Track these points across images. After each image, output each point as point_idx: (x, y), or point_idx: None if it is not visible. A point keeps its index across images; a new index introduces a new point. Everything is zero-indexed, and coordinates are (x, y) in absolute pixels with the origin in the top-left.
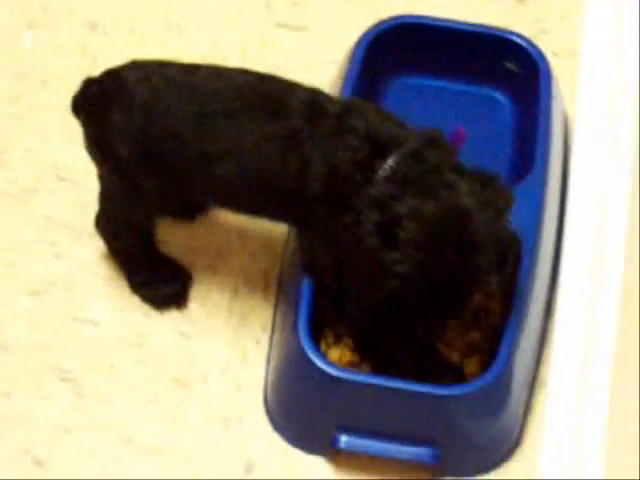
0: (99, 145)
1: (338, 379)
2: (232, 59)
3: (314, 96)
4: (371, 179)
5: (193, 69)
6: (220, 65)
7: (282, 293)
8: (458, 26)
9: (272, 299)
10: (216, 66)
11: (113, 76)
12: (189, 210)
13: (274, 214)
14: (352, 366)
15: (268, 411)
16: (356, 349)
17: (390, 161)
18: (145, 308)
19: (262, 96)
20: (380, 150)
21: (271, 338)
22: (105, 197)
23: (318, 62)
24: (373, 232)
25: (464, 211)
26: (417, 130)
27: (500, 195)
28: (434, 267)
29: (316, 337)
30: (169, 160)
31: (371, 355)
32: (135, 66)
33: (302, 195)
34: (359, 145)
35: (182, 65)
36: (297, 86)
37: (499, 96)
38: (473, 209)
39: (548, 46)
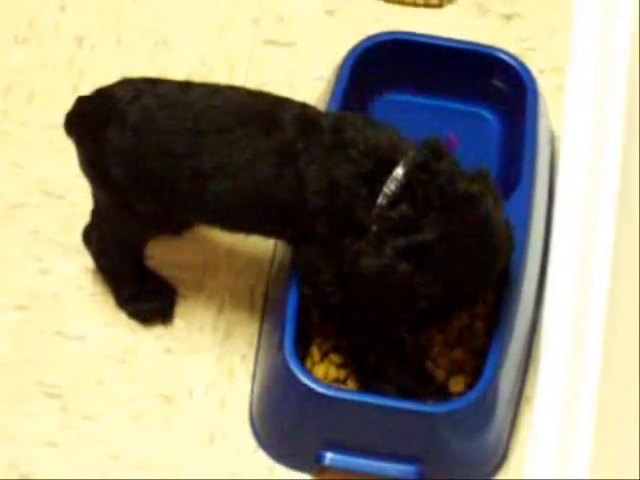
0: (92, 164)
1: (323, 396)
2: (219, 75)
3: (305, 110)
4: (378, 192)
5: (184, 87)
6: (211, 82)
7: (268, 310)
8: (445, 43)
9: (258, 315)
10: (207, 83)
11: (105, 95)
12: (176, 226)
13: (269, 230)
14: (337, 383)
15: (253, 427)
16: (346, 364)
17: (397, 174)
18: (131, 324)
19: (254, 111)
20: (383, 162)
21: (257, 354)
22: (98, 215)
23: (305, 78)
24: (402, 257)
25: (490, 226)
26: (414, 140)
27: (498, 195)
28: (462, 284)
29: (301, 354)
30: (162, 179)
31: (360, 370)
32: (127, 84)
33: (300, 210)
34: (361, 158)
35: (174, 83)
36: (288, 101)
37: (486, 113)
38: (498, 222)
39: (535, 63)
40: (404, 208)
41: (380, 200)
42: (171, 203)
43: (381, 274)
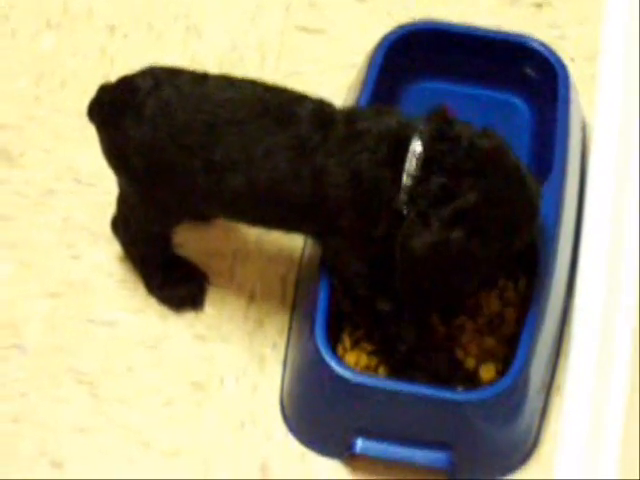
0: (113, 152)
1: (355, 383)
2: (250, 62)
3: (321, 106)
4: (401, 173)
5: (202, 79)
6: (229, 75)
7: (299, 297)
8: (476, 31)
9: (289, 303)
10: (225, 76)
11: (127, 84)
12: (200, 215)
13: (287, 225)
14: (368, 370)
15: (284, 414)
16: (376, 351)
17: (415, 149)
18: (161, 310)
19: (270, 106)
20: (398, 142)
21: (288, 342)
22: (122, 202)
23: (337, 66)
24: (451, 226)
25: (523, 174)
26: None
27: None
28: (513, 236)
29: (333, 342)
30: (178, 171)
31: (391, 358)
32: (148, 74)
33: (319, 205)
34: (376, 144)
35: (192, 74)
36: (305, 96)
37: (517, 101)
38: (525, 168)
39: (566, 52)
40: (439, 179)
41: (405, 180)
42: (187, 195)
43: (435, 249)
